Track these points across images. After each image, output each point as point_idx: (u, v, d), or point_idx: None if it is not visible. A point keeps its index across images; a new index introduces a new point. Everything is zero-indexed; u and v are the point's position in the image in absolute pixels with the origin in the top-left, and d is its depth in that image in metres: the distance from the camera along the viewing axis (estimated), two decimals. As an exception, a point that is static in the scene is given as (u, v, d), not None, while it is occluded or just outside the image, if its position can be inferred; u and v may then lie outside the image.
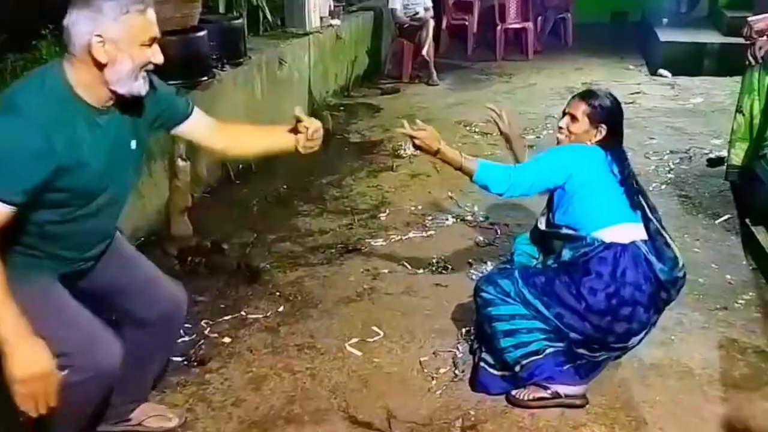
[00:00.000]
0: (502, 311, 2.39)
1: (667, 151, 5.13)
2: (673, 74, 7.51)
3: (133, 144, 1.88)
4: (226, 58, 4.50)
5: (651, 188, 4.43)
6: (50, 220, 1.76)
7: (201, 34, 4.08)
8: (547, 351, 2.38)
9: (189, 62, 4.00)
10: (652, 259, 2.33)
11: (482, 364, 2.50)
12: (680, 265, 2.42)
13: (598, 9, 10.47)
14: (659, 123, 5.88)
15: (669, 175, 4.67)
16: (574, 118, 2.50)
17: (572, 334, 2.33)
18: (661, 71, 7.63)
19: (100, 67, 1.68)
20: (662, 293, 2.36)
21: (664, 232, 2.46)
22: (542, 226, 2.56)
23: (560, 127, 2.56)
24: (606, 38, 9.63)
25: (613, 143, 2.50)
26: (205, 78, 4.17)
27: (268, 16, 6.04)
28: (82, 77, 1.70)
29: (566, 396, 2.40)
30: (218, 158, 2.16)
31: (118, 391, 2.09)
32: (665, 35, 7.99)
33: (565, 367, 2.39)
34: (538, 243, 2.64)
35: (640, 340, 2.41)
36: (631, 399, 2.46)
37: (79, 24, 1.65)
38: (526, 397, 2.42)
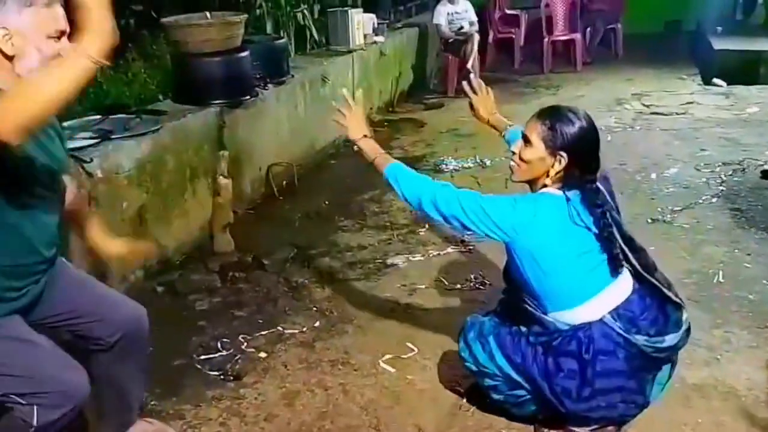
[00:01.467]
0: (487, 383, 2.25)
1: (720, 163, 4.96)
2: (728, 83, 7.28)
3: (52, 132, 1.88)
4: (269, 77, 4.59)
5: (701, 200, 4.31)
6: None
7: (244, 54, 4.17)
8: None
9: (232, 82, 4.11)
10: (626, 335, 2.04)
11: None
12: (682, 319, 2.12)
13: (651, 18, 10.25)
14: (712, 134, 5.70)
15: (720, 188, 4.52)
16: (527, 141, 2.06)
17: None
18: (716, 80, 7.41)
19: (8, 58, 1.69)
20: (652, 361, 2.10)
21: (655, 280, 2.13)
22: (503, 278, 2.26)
23: (512, 152, 2.14)
24: (658, 48, 9.42)
25: (580, 179, 2.04)
26: (248, 97, 4.26)
27: (315, 34, 6.15)
28: None
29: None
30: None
31: (104, 419, 2.10)
32: (720, 43, 7.77)
33: None
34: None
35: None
36: (671, 420, 2.37)
37: None
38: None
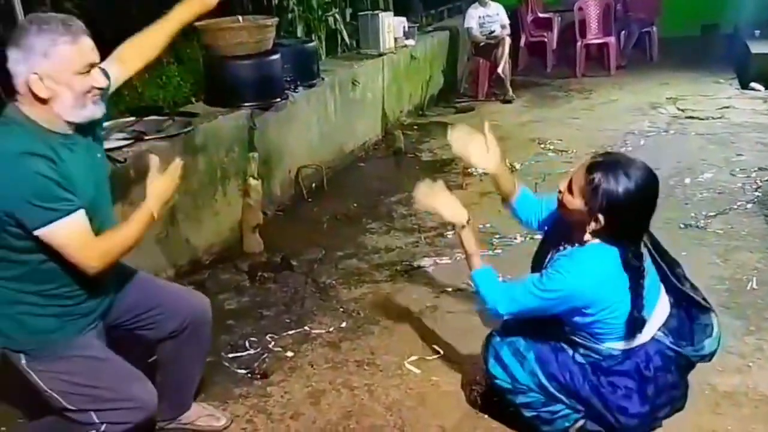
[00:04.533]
0: (521, 400, 2.18)
1: (756, 168, 4.86)
2: (766, 88, 7.12)
3: (99, 154, 1.97)
4: (299, 80, 4.63)
5: (736, 206, 4.22)
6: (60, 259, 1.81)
7: (274, 57, 4.22)
8: (580, 423, 2.17)
9: (262, 84, 4.15)
10: (677, 348, 2.03)
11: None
12: (714, 333, 2.08)
13: (688, 22, 10.08)
14: (748, 139, 5.58)
15: (756, 193, 4.41)
16: (570, 188, 1.93)
17: None
18: (753, 85, 7.25)
19: (44, 101, 1.74)
20: (693, 365, 2.11)
21: (692, 292, 2.09)
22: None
23: (559, 190, 2.01)
24: (695, 51, 9.25)
25: (625, 241, 1.91)
26: (278, 99, 4.31)
27: (346, 38, 6.19)
28: (37, 113, 1.76)
29: None
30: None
31: (163, 401, 2.16)
32: (758, 47, 7.60)
33: None
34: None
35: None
36: (700, 427, 2.33)
37: (16, 65, 1.71)
38: None
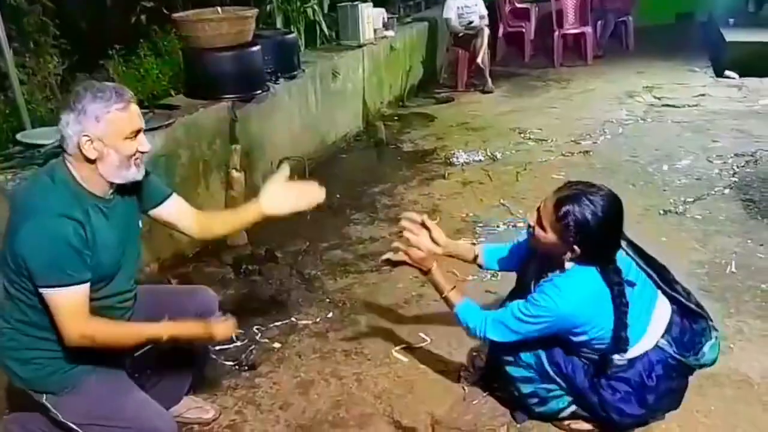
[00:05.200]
0: (521, 373, 2.21)
1: (732, 154, 4.94)
2: (741, 75, 7.23)
3: (140, 223, 2.10)
4: (280, 72, 4.61)
5: (713, 192, 4.29)
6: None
7: (255, 49, 4.19)
8: (573, 407, 2.22)
9: (243, 76, 4.12)
10: (679, 356, 2.09)
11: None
12: (713, 336, 2.15)
13: (663, 11, 10.21)
14: (724, 126, 5.67)
15: (733, 179, 4.50)
16: (541, 224, 2.00)
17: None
18: (728, 73, 7.36)
19: (92, 162, 1.85)
20: (691, 371, 2.19)
21: (685, 299, 2.17)
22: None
23: (529, 225, 2.08)
24: (670, 40, 9.37)
25: (596, 260, 2.00)
26: (260, 91, 4.28)
27: (325, 30, 6.16)
28: (82, 173, 1.88)
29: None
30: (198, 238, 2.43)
31: (158, 394, 2.20)
32: (732, 35, 7.73)
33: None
34: None
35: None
36: (684, 408, 2.35)
37: (69, 126, 1.82)
38: (568, 427, 2.30)
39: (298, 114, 4.94)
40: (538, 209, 2.04)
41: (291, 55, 4.81)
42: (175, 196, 2.20)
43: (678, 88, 7.10)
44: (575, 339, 2.07)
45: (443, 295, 2.24)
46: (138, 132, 1.89)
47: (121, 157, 1.86)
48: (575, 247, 1.96)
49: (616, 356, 2.06)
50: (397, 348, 2.83)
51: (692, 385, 2.45)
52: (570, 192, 1.98)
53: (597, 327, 2.03)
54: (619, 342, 2.03)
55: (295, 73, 4.83)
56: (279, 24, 5.57)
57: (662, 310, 2.14)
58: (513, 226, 3.97)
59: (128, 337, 1.97)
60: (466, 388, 2.55)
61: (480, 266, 2.51)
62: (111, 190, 1.94)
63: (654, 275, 2.15)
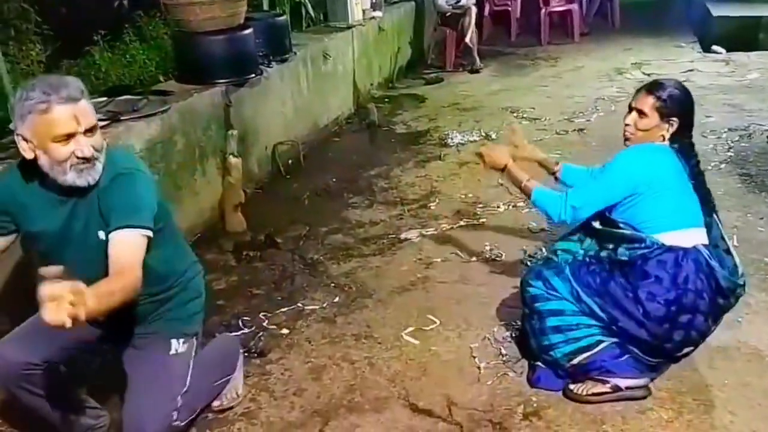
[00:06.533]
0: (551, 306, 2.31)
1: (725, 129, 4.97)
2: (727, 50, 7.27)
3: (101, 235, 1.87)
4: (272, 55, 4.53)
5: (710, 167, 4.30)
6: None
7: (247, 31, 4.11)
8: (600, 346, 2.28)
9: (236, 60, 4.05)
10: (715, 264, 2.21)
11: (535, 363, 2.45)
12: (740, 272, 2.29)
13: (646, -13, 10.21)
14: (715, 101, 5.70)
15: (728, 153, 4.52)
16: (641, 113, 2.30)
17: (626, 338, 2.25)
18: (715, 47, 7.39)
19: (31, 160, 1.81)
20: (721, 300, 2.23)
21: (726, 239, 2.34)
22: (596, 223, 2.38)
23: (627, 124, 2.36)
24: (654, 17, 9.40)
25: (684, 137, 2.32)
26: (253, 75, 4.21)
27: (311, 11, 6.07)
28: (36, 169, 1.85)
29: (627, 388, 2.30)
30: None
31: None
32: (718, 10, 7.74)
33: (623, 358, 2.29)
34: (588, 237, 2.46)
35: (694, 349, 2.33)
36: (698, 382, 2.39)
37: (13, 123, 1.81)
38: (584, 392, 2.33)
39: (290, 97, 4.88)
40: (631, 106, 2.35)
41: (282, 38, 4.74)
42: (114, 235, 1.83)
43: (666, 64, 7.12)
44: (633, 205, 2.25)
45: (521, 185, 2.50)
46: (71, 135, 1.76)
47: (51, 161, 1.77)
48: (673, 119, 2.27)
49: (655, 236, 2.22)
50: (407, 331, 2.82)
51: (703, 357, 2.50)
52: (654, 81, 2.37)
53: (660, 191, 2.22)
54: (707, 205, 2.31)
55: (287, 56, 4.76)
56: (265, 6, 5.48)
57: (711, 226, 2.31)
58: (513, 206, 3.96)
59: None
60: (480, 368, 2.54)
61: (557, 179, 2.78)
62: (62, 192, 1.87)
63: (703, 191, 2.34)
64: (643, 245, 2.23)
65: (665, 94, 2.29)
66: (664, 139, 2.31)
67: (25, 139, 1.78)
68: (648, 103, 2.30)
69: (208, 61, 3.98)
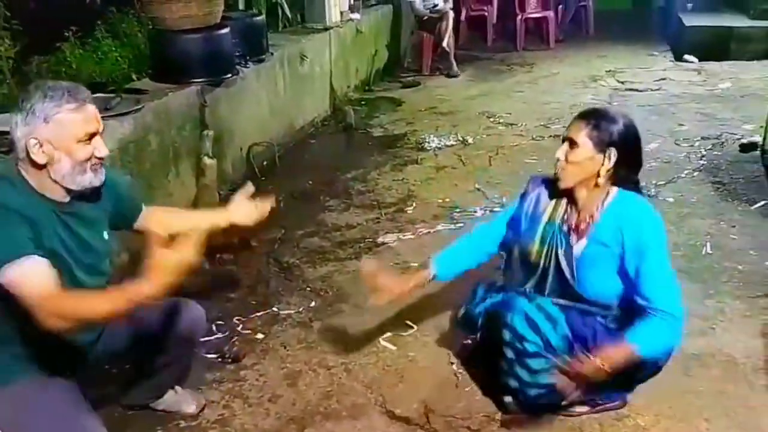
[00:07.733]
0: (532, 349, 2.07)
1: (698, 138, 5.03)
2: (700, 60, 7.37)
3: (105, 234, 1.94)
4: (248, 55, 4.48)
5: (683, 175, 4.36)
6: None
7: (224, 31, 4.05)
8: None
9: (213, 59, 3.99)
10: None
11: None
12: None
13: (620, -5, 10.33)
14: (688, 109, 5.77)
15: (701, 162, 4.57)
16: (573, 143, 2.03)
17: None
18: (687, 57, 7.49)
19: (41, 167, 1.73)
20: None
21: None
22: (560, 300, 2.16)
23: (557, 159, 2.08)
24: (628, 25, 9.52)
25: (627, 177, 2.07)
26: (229, 75, 4.15)
27: (287, 12, 6.02)
28: (35, 178, 1.75)
29: (604, 403, 2.29)
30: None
31: (140, 389, 2.17)
32: (690, 20, 7.85)
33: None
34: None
35: None
36: (673, 389, 2.39)
37: (17, 129, 1.70)
38: (562, 411, 2.29)
39: (266, 99, 4.82)
40: (563, 138, 2.10)
41: (259, 38, 4.68)
42: (145, 209, 2.13)
43: (640, 72, 7.20)
44: None
45: (622, 359, 2.06)
46: (93, 135, 1.76)
47: (74, 162, 1.74)
48: (611, 149, 2.00)
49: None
50: (384, 336, 2.79)
51: (679, 366, 2.51)
52: (590, 109, 2.15)
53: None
54: None
55: (264, 56, 4.70)
56: (241, 6, 5.41)
57: None
58: (490, 211, 3.95)
59: (106, 308, 1.66)
60: (458, 375, 2.52)
61: (435, 278, 2.47)
62: (67, 197, 1.81)
63: None
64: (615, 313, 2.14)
65: (601, 121, 2.02)
66: (599, 176, 2.03)
67: (39, 143, 1.69)
68: (581, 131, 2.02)
69: (184, 59, 3.91)
